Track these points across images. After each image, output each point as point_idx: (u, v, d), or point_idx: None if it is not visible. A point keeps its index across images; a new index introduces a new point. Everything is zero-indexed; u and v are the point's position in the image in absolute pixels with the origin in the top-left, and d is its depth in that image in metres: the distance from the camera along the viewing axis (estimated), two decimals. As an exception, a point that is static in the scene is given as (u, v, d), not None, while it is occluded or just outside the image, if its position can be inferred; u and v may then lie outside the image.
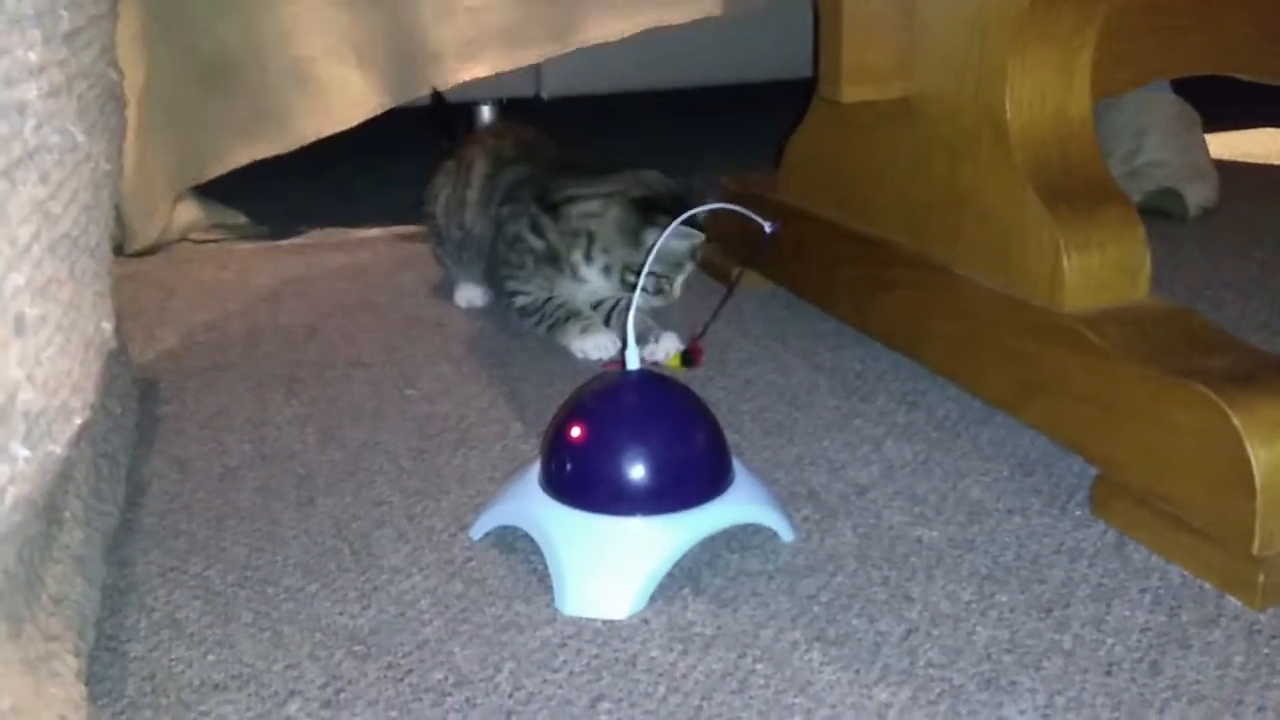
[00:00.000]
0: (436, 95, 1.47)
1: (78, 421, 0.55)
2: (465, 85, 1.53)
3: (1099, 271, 0.85)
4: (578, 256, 1.14)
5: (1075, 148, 0.90)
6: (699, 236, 1.09)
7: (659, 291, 1.12)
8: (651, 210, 1.10)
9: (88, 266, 0.61)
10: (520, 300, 1.18)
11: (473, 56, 1.49)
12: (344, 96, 1.51)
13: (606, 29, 1.48)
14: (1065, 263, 0.85)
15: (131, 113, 0.98)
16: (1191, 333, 0.83)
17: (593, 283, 1.15)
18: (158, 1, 1.48)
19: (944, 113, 0.96)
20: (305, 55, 1.49)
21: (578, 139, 1.28)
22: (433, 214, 1.30)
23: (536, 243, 1.15)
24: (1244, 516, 0.71)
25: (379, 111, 1.52)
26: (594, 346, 1.13)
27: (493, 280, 1.23)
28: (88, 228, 0.62)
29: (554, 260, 1.15)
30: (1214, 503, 0.73)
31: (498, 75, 1.53)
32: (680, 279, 1.13)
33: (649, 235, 1.09)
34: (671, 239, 1.04)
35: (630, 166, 1.17)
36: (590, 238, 1.13)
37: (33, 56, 0.54)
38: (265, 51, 1.49)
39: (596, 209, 1.13)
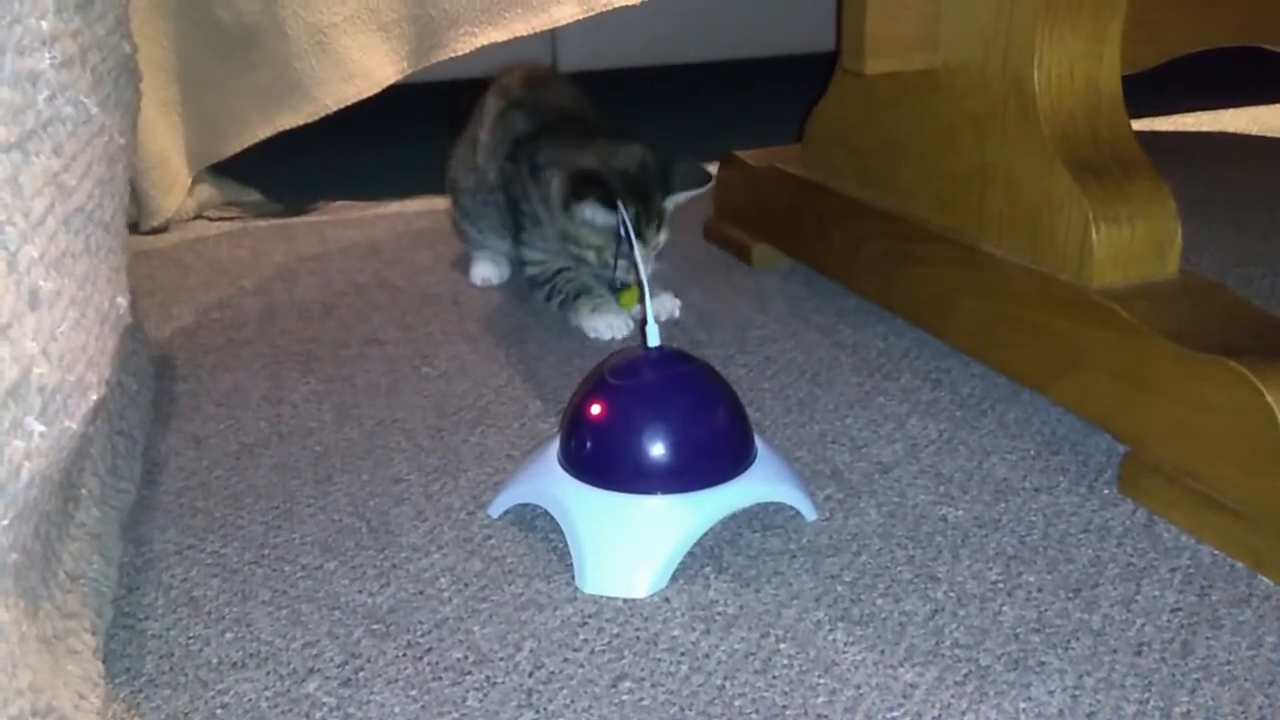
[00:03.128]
0: None
1: (94, 398, 0.54)
2: (481, 60, 1.51)
3: (1129, 246, 0.84)
4: (546, 220, 1.16)
5: (1105, 121, 0.88)
6: (615, 215, 1.07)
7: (604, 265, 1.13)
8: (582, 185, 1.09)
9: (102, 241, 0.61)
10: (530, 270, 1.19)
11: (490, 21, 1.48)
12: (365, 63, 1.50)
13: None
14: (1094, 237, 0.83)
15: (149, 87, 0.97)
16: (1223, 309, 0.82)
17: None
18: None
19: (970, 85, 0.95)
20: (326, 22, 1.48)
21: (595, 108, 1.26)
22: (454, 178, 1.30)
23: (526, 207, 1.17)
24: (1276, 494, 0.70)
25: (399, 77, 1.51)
26: (606, 326, 1.12)
27: (512, 235, 1.24)
28: (102, 201, 0.62)
29: (539, 223, 1.17)
30: (1246, 481, 0.72)
31: (515, 47, 1.51)
32: (640, 252, 1.08)
33: (575, 210, 1.10)
34: (596, 214, 1.08)
35: (625, 136, 1.16)
36: (549, 204, 1.15)
37: (45, 25, 0.53)
38: (285, 20, 1.47)
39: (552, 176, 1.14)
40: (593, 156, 1.13)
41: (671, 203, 1.13)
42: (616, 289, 1.13)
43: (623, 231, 0.84)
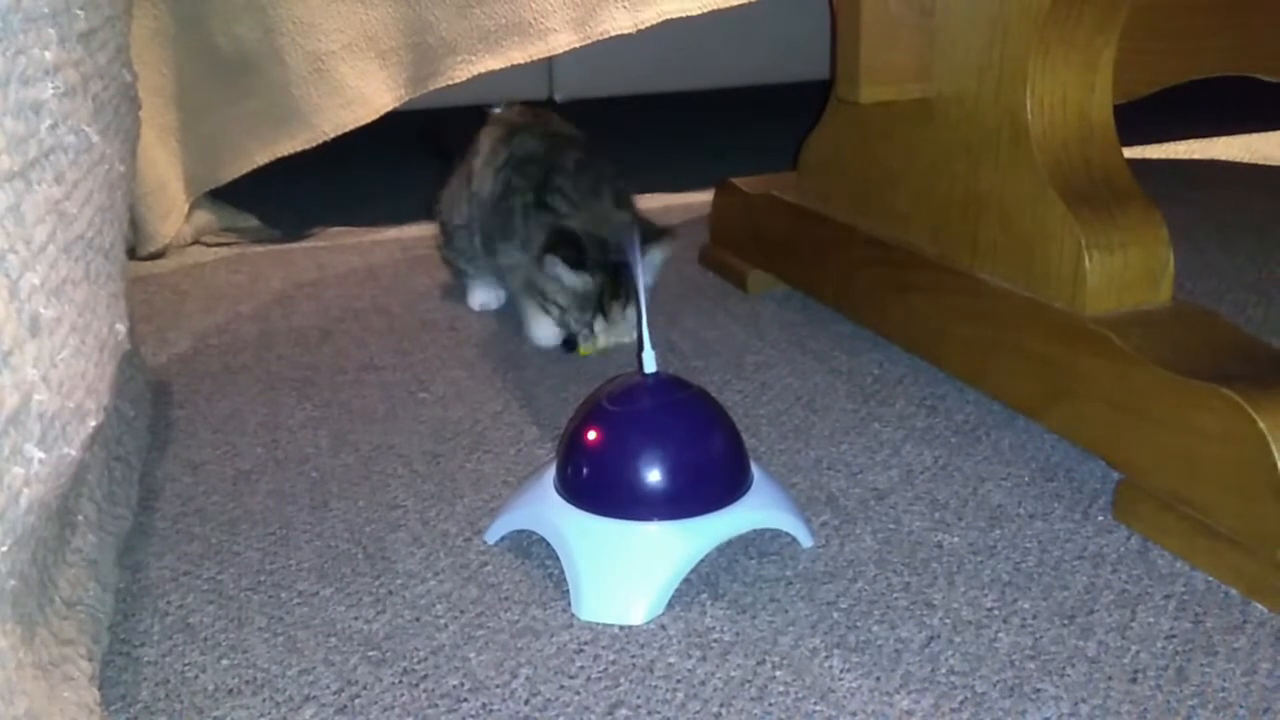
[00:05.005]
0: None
1: (92, 424, 0.54)
2: (477, 87, 1.52)
3: (1122, 274, 0.85)
4: (523, 261, 1.17)
5: (1097, 149, 0.89)
6: (586, 280, 1.10)
7: (564, 325, 1.14)
8: (559, 242, 1.10)
9: (102, 268, 0.61)
10: (503, 259, 1.21)
11: (487, 49, 1.49)
12: (363, 90, 1.51)
13: (624, 20, 1.47)
14: (1087, 264, 0.84)
15: (147, 113, 0.98)
16: (1216, 336, 0.82)
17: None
18: (173, 0, 1.48)
19: (964, 114, 0.95)
20: (324, 50, 1.49)
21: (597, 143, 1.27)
22: (446, 219, 1.31)
23: (521, 228, 1.18)
24: (1270, 521, 0.70)
25: (396, 104, 1.52)
26: (542, 331, 1.17)
27: (485, 239, 1.24)
28: (102, 229, 0.62)
29: (528, 250, 1.18)
30: (1239, 507, 0.72)
31: (511, 75, 1.52)
32: (600, 324, 1.12)
33: (545, 263, 1.11)
34: (565, 275, 1.10)
35: (617, 192, 1.18)
36: (530, 249, 1.15)
37: (48, 56, 0.53)
38: (284, 48, 1.48)
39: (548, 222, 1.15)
40: (583, 219, 1.13)
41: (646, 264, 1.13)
42: (573, 347, 1.14)
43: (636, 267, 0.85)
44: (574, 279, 1.10)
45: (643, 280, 1.09)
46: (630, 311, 1.13)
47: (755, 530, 0.79)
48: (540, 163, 1.20)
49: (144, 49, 1.46)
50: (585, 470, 0.76)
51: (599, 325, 1.13)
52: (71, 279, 0.54)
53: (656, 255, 1.15)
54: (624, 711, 0.63)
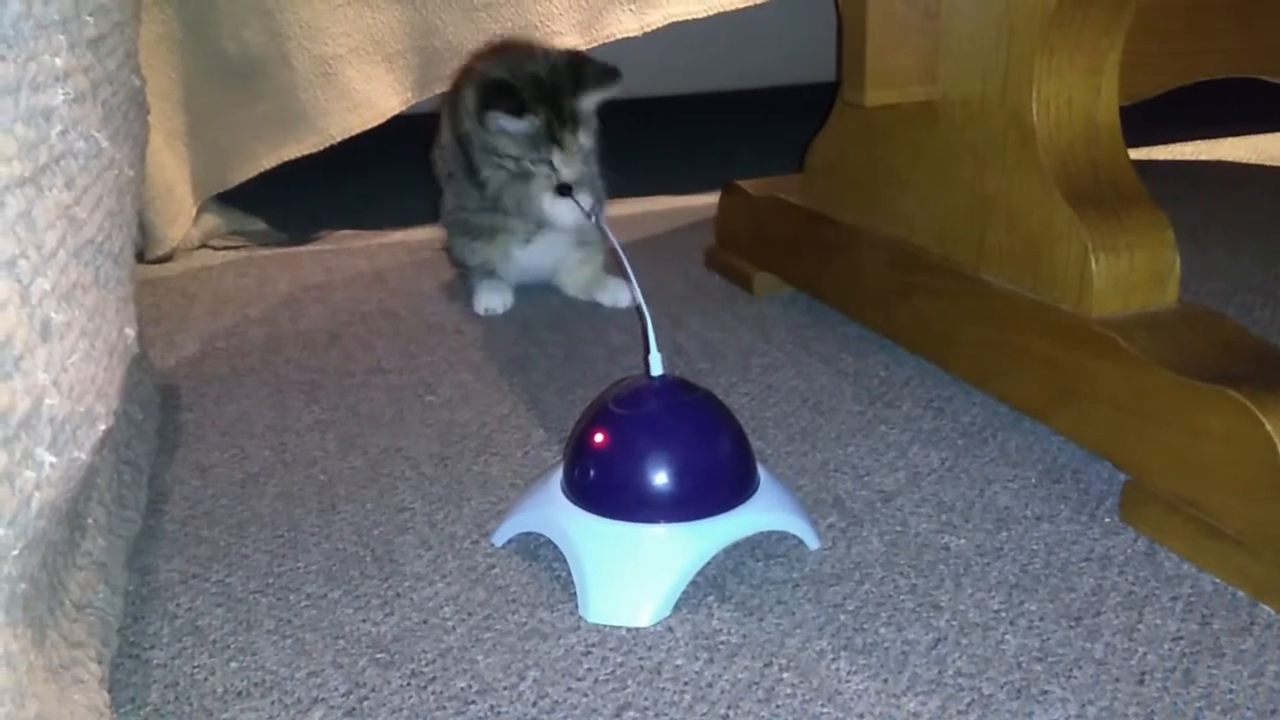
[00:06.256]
0: None
1: (102, 428, 0.55)
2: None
3: (1128, 276, 0.85)
4: (476, 138, 1.21)
5: (1103, 151, 0.89)
6: (531, 121, 1.15)
7: (524, 173, 1.18)
8: (491, 93, 1.15)
9: (111, 272, 0.61)
10: (489, 185, 1.24)
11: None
12: (370, 94, 1.51)
13: (630, 23, 1.47)
14: (1093, 267, 0.84)
15: (156, 118, 0.98)
16: (1222, 338, 0.82)
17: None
18: (181, 4, 1.49)
19: (970, 116, 0.95)
20: (331, 54, 1.49)
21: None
22: (450, 209, 1.34)
23: (471, 126, 1.22)
24: (1276, 523, 0.70)
25: (403, 108, 1.53)
26: (488, 302, 1.26)
27: (470, 180, 1.27)
28: (112, 233, 0.62)
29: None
30: (1246, 509, 0.72)
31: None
32: (558, 157, 1.17)
33: (486, 119, 1.16)
34: (510, 124, 1.14)
35: (542, 50, 1.23)
36: (473, 120, 1.21)
37: (59, 62, 0.54)
38: (291, 52, 1.49)
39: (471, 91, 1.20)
40: (503, 66, 1.18)
41: (588, 102, 1.19)
42: (568, 190, 1.18)
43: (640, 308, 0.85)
44: (519, 125, 1.14)
45: (563, 157, 1.16)
46: (581, 135, 1.18)
47: (762, 532, 0.79)
48: (472, 79, 1.24)
49: (152, 54, 1.47)
50: (592, 473, 0.77)
51: (557, 158, 1.16)
52: (81, 284, 0.54)
53: (593, 98, 1.18)
54: (631, 713, 0.64)
